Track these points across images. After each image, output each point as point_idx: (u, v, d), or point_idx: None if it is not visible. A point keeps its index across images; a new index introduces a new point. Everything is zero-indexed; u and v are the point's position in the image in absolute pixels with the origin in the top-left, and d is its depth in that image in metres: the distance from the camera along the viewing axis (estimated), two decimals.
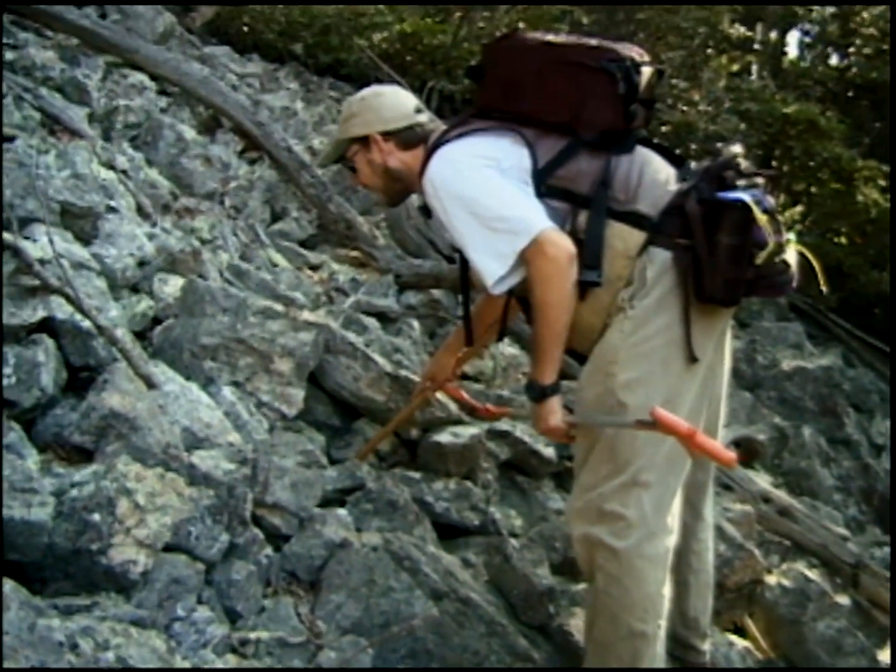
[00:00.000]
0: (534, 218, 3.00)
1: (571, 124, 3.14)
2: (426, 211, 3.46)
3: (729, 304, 3.11)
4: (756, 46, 16.31)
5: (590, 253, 3.02)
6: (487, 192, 3.06)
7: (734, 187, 3.02)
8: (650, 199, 3.07)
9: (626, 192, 3.08)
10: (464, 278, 3.57)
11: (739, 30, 15.85)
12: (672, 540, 3.19)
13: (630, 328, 3.05)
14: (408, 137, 3.40)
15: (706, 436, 2.86)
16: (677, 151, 3.35)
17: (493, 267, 3.03)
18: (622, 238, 3.05)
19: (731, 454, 2.85)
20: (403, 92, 3.60)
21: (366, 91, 3.56)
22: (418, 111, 3.47)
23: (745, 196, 2.94)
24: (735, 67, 15.71)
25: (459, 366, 4.12)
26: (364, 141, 3.44)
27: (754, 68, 16.43)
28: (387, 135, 3.40)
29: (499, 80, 3.26)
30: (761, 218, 2.92)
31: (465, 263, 3.46)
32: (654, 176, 3.13)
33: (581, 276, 3.01)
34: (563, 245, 2.96)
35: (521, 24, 12.97)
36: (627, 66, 3.10)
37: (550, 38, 3.25)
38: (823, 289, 3.48)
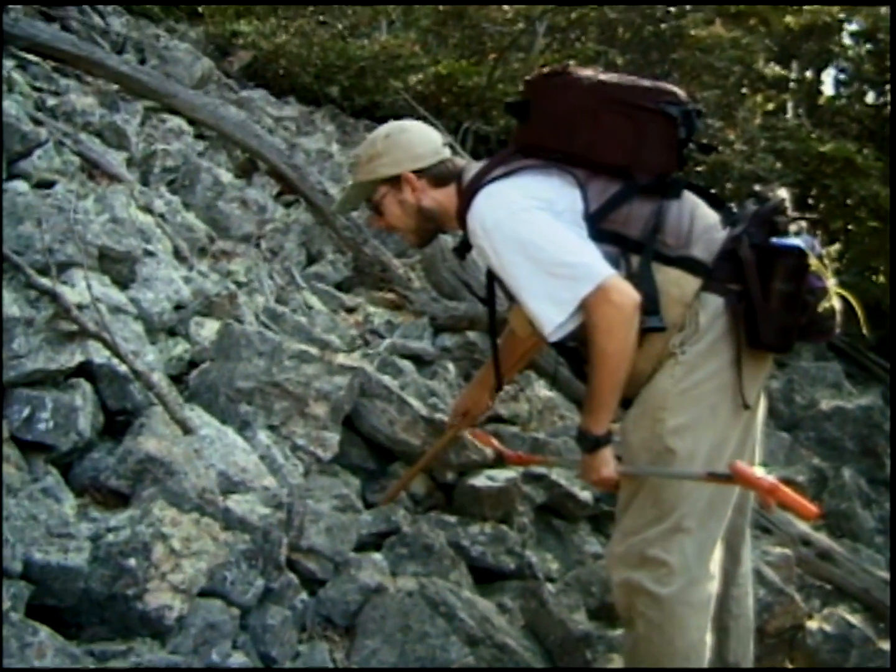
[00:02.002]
0: (596, 264, 2.90)
1: (628, 167, 3.07)
2: (460, 252, 3.45)
3: (782, 350, 3.10)
4: (791, 85, 16.27)
5: (647, 299, 2.94)
6: (546, 235, 2.95)
7: (785, 233, 3.01)
8: (703, 244, 3.03)
9: (677, 237, 3.03)
10: (492, 318, 3.55)
11: (774, 68, 15.82)
12: (714, 586, 3.16)
13: (681, 374, 3.01)
14: (440, 174, 3.31)
15: None
16: (713, 191, 3.31)
17: (551, 314, 2.92)
18: (678, 284, 3.00)
19: (815, 508, 2.81)
20: (427, 126, 3.48)
21: (388, 128, 3.42)
22: (444, 145, 3.40)
23: (800, 242, 2.94)
24: (770, 106, 15.64)
25: (490, 402, 4.10)
26: (394, 181, 3.33)
27: (790, 107, 16.38)
28: (418, 172, 3.30)
29: (549, 117, 3.15)
30: (815, 264, 2.91)
31: (493, 304, 3.45)
32: (705, 220, 3.10)
33: (643, 322, 2.94)
34: (629, 293, 2.87)
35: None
36: (689, 109, 3.07)
37: (604, 76, 3.15)
38: (865, 332, 3.46)
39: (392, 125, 3.43)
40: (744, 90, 14.42)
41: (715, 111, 13.16)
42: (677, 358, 3.01)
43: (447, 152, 3.37)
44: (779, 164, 12.23)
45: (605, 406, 3.01)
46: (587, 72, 3.19)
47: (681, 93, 3.12)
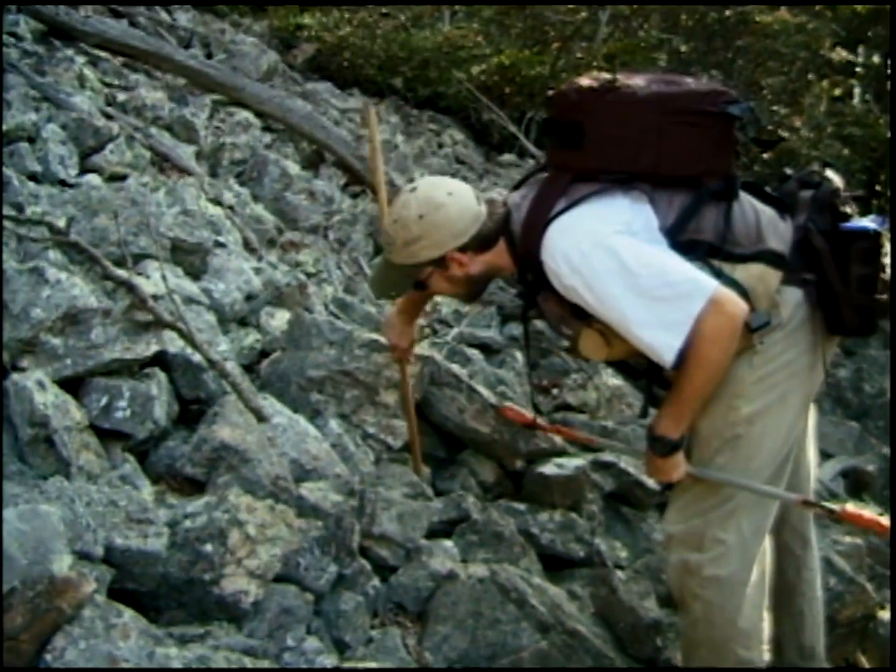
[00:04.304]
0: (700, 277, 2.75)
1: (699, 176, 2.95)
2: (529, 297, 3.22)
3: (867, 333, 3.04)
4: (858, 70, 16.05)
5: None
6: (639, 259, 2.76)
7: (848, 215, 2.98)
8: (774, 237, 2.97)
9: (748, 234, 2.93)
10: (525, 312, 3.43)
11: (841, 53, 15.61)
12: (766, 562, 3.15)
13: (759, 362, 2.96)
14: (484, 239, 3.09)
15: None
16: (752, 181, 3.22)
17: (668, 340, 2.72)
18: (761, 280, 2.91)
19: None
20: (457, 186, 3.17)
21: (419, 205, 3.09)
22: (479, 199, 3.13)
23: (871, 224, 2.90)
24: (837, 92, 15.43)
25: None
26: (438, 261, 3.12)
27: (857, 92, 16.15)
28: (462, 247, 3.08)
29: (608, 139, 2.92)
30: (887, 244, 2.88)
31: (529, 300, 3.26)
32: (767, 213, 3.03)
33: (751, 321, 2.85)
34: (740, 303, 2.74)
35: (617, 55, 12.93)
36: (751, 107, 2.95)
37: (655, 85, 2.97)
38: None
39: (422, 200, 3.10)
40: (810, 76, 14.25)
41: (780, 98, 13.04)
42: (756, 348, 2.95)
43: (484, 209, 3.10)
44: (846, 151, 12.09)
45: (689, 413, 2.92)
46: (636, 81, 2.98)
47: (733, 91, 2.99)
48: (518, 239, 3.01)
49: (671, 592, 3.28)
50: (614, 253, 2.76)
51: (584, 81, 2.99)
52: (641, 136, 2.90)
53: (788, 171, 3.26)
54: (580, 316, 2.99)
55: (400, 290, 3.41)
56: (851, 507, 2.87)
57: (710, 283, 2.72)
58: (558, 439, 4.45)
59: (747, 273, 2.88)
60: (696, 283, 2.73)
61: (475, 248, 3.08)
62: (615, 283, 2.75)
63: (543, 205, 2.95)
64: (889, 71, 13.43)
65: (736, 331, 2.73)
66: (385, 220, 3.27)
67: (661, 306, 2.72)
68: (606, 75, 2.99)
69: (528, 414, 4.07)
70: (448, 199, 3.07)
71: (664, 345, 2.73)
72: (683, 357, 2.72)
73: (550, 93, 3.12)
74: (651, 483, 4.60)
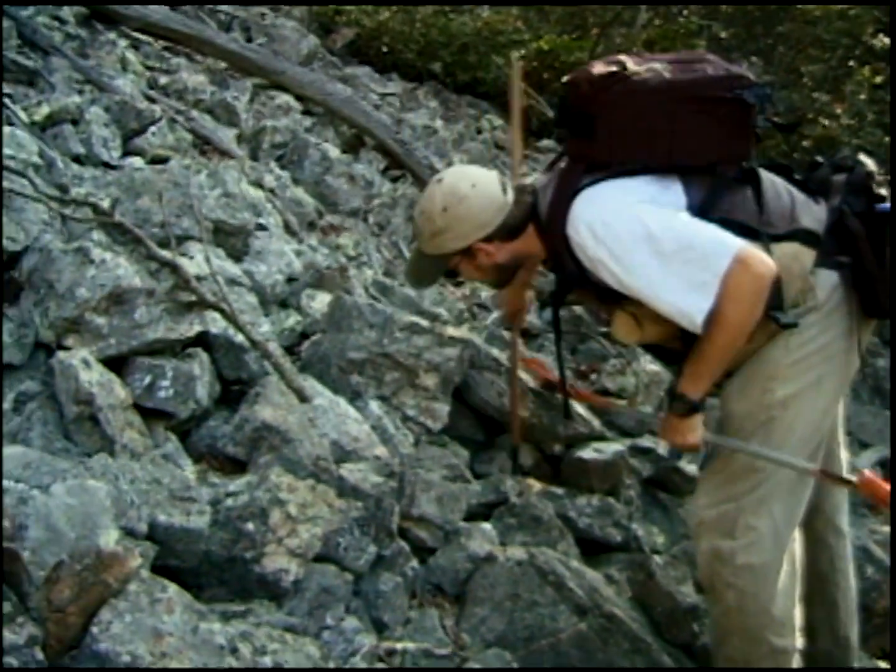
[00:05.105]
0: (725, 236, 2.74)
1: (714, 164, 2.92)
2: (559, 296, 3.29)
3: None
4: None
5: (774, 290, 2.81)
6: (663, 223, 2.76)
7: (883, 198, 2.95)
8: (810, 217, 2.96)
9: (782, 215, 2.92)
10: (559, 298, 3.42)
11: (883, 40, 15.44)
12: (796, 549, 3.13)
13: (795, 345, 2.94)
14: (511, 228, 3.09)
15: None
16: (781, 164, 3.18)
17: (696, 302, 2.71)
18: (796, 258, 2.89)
19: None
20: (482, 176, 3.17)
21: (442, 198, 3.10)
22: (505, 188, 3.12)
23: None
24: (879, 79, 15.28)
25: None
26: (465, 251, 3.13)
27: None
28: (488, 237, 3.09)
29: (619, 131, 2.91)
30: None
31: (564, 285, 3.26)
32: (799, 195, 3.03)
33: (777, 318, 2.84)
34: (768, 262, 2.71)
35: (657, 41, 12.86)
36: (767, 91, 2.91)
37: (666, 72, 2.90)
38: None
39: (446, 192, 3.11)
40: (851, 63, 14.10)
41: (821, 84, 12.93)
42: (792, 331, 2.92)
43: (510, 197, 3.10)
44: (887, 139, 11.96)
45: (710, 374, 2.90)
46: (645, 66, 2.93)
47: (751, 74, 2.94)
48: (544, 219, 3.02)
49: (700, 580, 3.26)
50: (638, 219, 2.77)
51: (596, 69, 2.95)
52: (653, 125, 2.89)
53: (819, 158, 3.23)
54: (612, 299, 3.00)
55: (432, 279, 3.45)
56: (870, 473, 2.83)
57: (735, 242, 2.71)
58: (596, 423, 4.45)
59: (781, 252, 2.85)
60: (721, 242, 2.72)
61: (501, 237, 3.09)
62: (640, 249, 2.75)
63: (567, 184, 2.95)
64: None
65: (762, 290, 2.71)
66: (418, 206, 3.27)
67: (688, 269, 2.72)
68: (621, 59, 2.94)
69: (553, 373, 4.05)
70: (471, 192, 3.07)
71: (693, 307, 2.73)
72: (709, 316, 2.72)
73: (565, 79, 3.10)
74: (689, 469, 4.61)
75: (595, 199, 2.86)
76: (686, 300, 2.73)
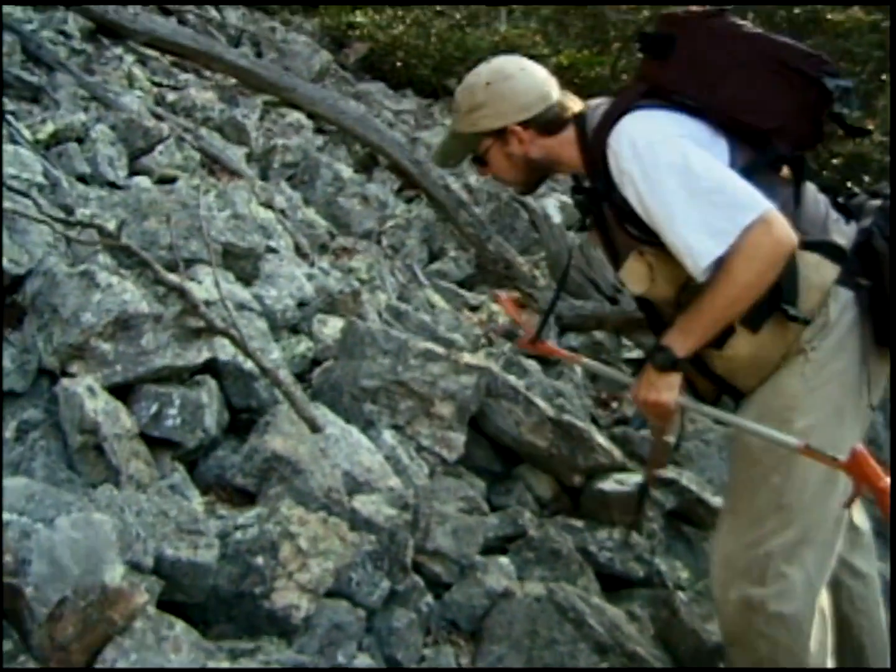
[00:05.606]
0: (757, 194, 2.71)
1: (771, 133, 2.92)
2: (587, 204, 3.18)
3: None
4: None
5: (788, 282, 2.84)
6: (702, 163, 2.77)
7: None
8: (839, 233, 2.94)
9: (813, 223, 2.91)
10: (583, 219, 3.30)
11: None
12: (824, 599, 3.08)
13: (811, 372, 2.92)
14: (549, 122, 3.07)
15: None
16: (849, 184, 3.20)
17: (709, 246, 2.71)
18: (817, 270, 2.88)
19: None
20: (533, 66, 3.16)
21: (488, 73, 3.12)
22: (554, 89, 3.12)
23: None
24: None
25: None
26: (499, 132, 3.11)
27: None
28: (525, 123, 3.07)
29: (695, 59, 2.91)
30: None
31: (587, 207, 3.19)
32: (833, 210, 3.02)
33: (787, 310, 2.83)
34: (790, 231, 2.69)
35: None
36: (849, 86, 2.90)
37: (766, 34, 2.95)
38: None
39: (493, 69, 3.14)
40: (884, 77, 14.11)
41: None
42: (807, 355, 2.92)
43: (555, 95, 3.10)
44: None
45: (702, 332, 2.86)
46: (744, 22, 2.97)
47: (835, 66, 2.93)
48: (592, 128, 3.00)
49: (727, 631, 3.16)
50: (680, 151, 2.78)
51: (698, 7, 2.99)
52: (728, 66, 2.89)
53: (852, 186, 3.23)
54: (630, 236, 2.98)
55: (457, 158, 3.39)
56: (862, 449, 2.76)
57: (765, 202, 2.70)
58: (617, 454, 4.45)
59: (804, 261, 2.85)
60: (752, 197, 2.71)
61: (538, 128, 3.09)
62: (673, 177, 2.75)
63: (625, 98, 2.97)
64: None
65: (778, 256, 2.70)
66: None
67: (712, 211, 2.71)
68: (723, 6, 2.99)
69: (525, 320, 3.93)
70: (518, 73, 3.09)
71: (704, 250, 2.72)
72: (716, 269, 2.72)
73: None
74: (714, 501, 4.58)
75: (645, 119, 2.88)
76: (699, 239, 2.73)
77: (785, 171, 3.00)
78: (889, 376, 3.10)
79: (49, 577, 2.36)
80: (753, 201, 2.70)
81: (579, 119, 3.07)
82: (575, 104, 3.13)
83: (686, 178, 2.75)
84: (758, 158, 2.91)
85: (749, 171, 2.84)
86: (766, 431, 2.88)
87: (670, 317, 3.01)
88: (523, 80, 3.08)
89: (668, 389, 2.94)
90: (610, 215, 3.04)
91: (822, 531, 2.97)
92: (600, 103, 3.08)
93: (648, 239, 2.91)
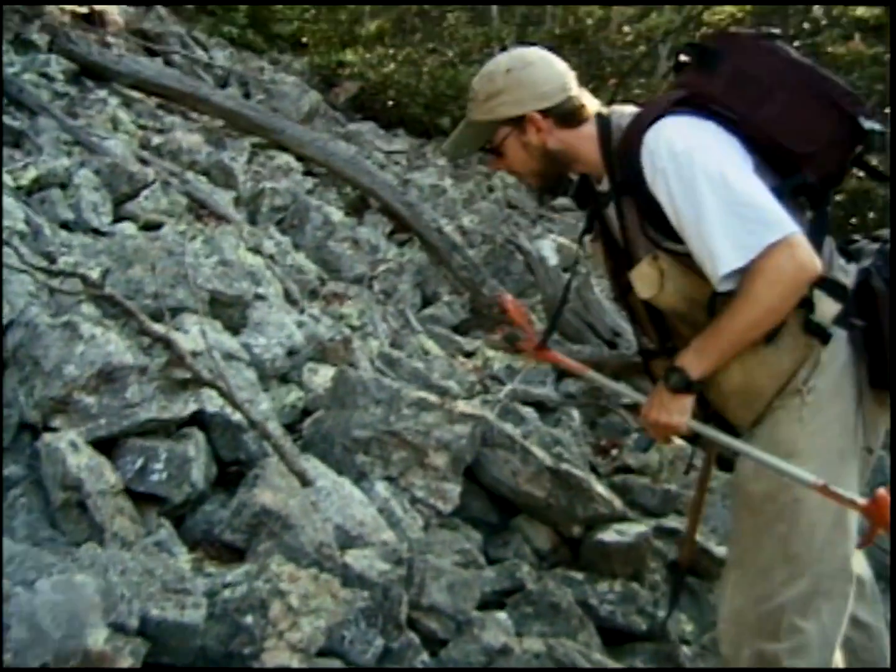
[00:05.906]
0: (787, 217, 2.72)
1: (802, 159, 2.93)
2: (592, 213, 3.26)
3: None
4: None
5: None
6: (738, 175, 2.80)
7: None
8: (842, 272, 2.97)
9: (823, 258, 2.87)
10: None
11: None
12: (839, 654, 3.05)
13: (808, 416, 2.92)
14: (567, 113, 3.08)
15: None
16: (853, 221, 3.22)
17: (729, 256, 2.72)
18: (819, 305, 2.90)
19: None
20: (553, 57, 3.18)
21: (508, 61, 3.15)
22: (574, 83, 3.12)
23: None
24: None
25: None
26: (516, 121, 3.09)
27: None
28: (544, 112, 3.07)
29: (742, 75, 2.95)
30: None
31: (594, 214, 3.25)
32: (837, 252, 3.04)
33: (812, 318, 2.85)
34: (815, 258, 2.71)
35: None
36: (882, 131, 2.93)
37: (810, 61, 3.00)
38: None
39: (513, 57, 3.17)
40: (887, 111, 14.19)
41: None
42: (804, 398, 2.92)
43: (574, 87, 3.11)
44: None
45: (718, 354, 2.88)
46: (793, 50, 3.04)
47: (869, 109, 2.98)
48: (622, 127, 3.02)
49: None
50: (717, 160, 2.80)
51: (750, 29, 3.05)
52: (773, 86, 2.92)
53: (855, 237, 3.26)
54: (652, 239, 2.98)
55: (471, 147, 3.37)
56: (884, 491, 2.75)
57: (793, 225, 2.71)
58: (618, 503, 4.43)
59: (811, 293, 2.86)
60: (781, 218, 2.72)
61: (557, 119, 3.09)
62: (706, 184, 2.77)
63: (667, 99, 3.00)
64: None
65: (799, 282, 2.72)
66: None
67: (740, 223, 2.72)
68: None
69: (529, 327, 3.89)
70: (539, 61, 3.10)
71: (725, 259, 2.73)
72: (734, 292, 2.75)
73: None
74: (719, 551, 4.55)
75: (685, 124, 2.89)
76: (722, 248, 2.74)
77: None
78: (888, 420, 3.10)
79: (29, 642, 2.34)
80: (781, 222, 2.71)
81: (602, 117, 3.09)
82: (592, 103, 3.15)
83: (719, 187, 2.76)
84: (782, 184, 2.92)
85: (780, 192, 2.86)
86: (782, 465, 2.86)
87: (676, 329, 3.06)
88: (544, 68, 3.10)
89: (679, 412, 2.96)
90: (631, 215, 3.04)
91: (835, 580, 2.94)
92: (626, 108, 3.12)
93: (665, 245, 2.93)
